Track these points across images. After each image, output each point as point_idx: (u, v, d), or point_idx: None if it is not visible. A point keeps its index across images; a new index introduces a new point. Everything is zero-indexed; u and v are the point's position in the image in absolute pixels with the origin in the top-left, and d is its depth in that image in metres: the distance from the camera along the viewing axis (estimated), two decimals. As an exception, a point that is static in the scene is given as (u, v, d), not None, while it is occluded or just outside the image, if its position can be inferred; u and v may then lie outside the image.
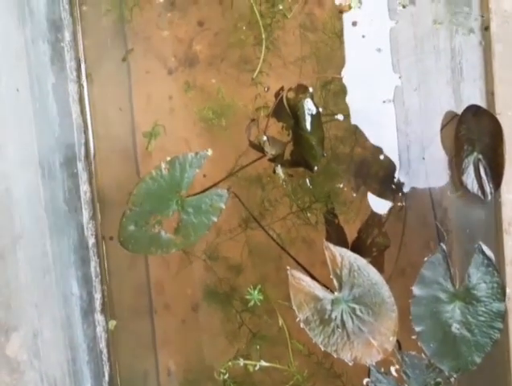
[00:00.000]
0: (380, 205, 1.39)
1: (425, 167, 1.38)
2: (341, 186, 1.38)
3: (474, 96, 1.36)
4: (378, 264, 1.35)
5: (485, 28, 1.30)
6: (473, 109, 1.26)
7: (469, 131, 1.28)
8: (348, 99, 1.35)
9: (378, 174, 1.41)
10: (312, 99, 1.31)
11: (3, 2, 0.99)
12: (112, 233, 1.39)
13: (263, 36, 1.35)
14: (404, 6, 1.31)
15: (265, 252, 1.42)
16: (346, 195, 1.39)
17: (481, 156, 1.29)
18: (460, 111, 1.34)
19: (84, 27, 1.35)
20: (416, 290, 1.30)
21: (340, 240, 1.37)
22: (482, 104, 1.34)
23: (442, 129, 1.36)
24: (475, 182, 1.30)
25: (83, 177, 1.26)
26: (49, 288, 1.12)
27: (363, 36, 1.32)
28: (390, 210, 1.38)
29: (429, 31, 1.33)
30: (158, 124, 1.43)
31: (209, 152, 1.34)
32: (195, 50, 1.43)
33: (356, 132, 1.39)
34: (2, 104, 0.96)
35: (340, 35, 1.33)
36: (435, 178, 1.38)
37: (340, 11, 1.33)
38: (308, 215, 1.37)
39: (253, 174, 1.41)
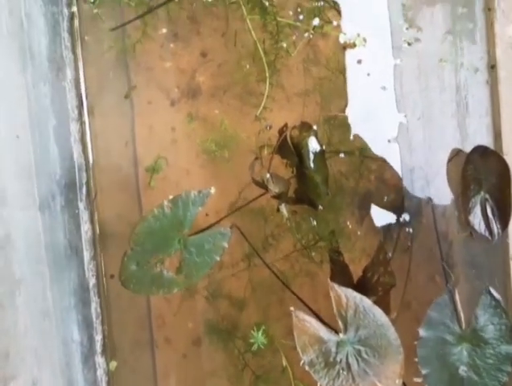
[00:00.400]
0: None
1: (430, 201, 1.37)
2: (347, 223, 1.37)
3: (480, 132, 1.35)
4: (384, 303, 1.33)
5: (491, 67, 1.29)
6: (481, 150, 1.25)
7: (476, 171, 1.27)
8: (352, 137, 1.33)
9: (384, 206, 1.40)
10: (316, 137, 1.29)
11: (4, 49, 0.97)
12: (113, 271, 1.37)
13: (267, 74, 1.34)
14: (409, 44, 1.30)
15: (268, 288, 1.40)
16: (351, 233, 1.37)
17: (487, 196, 1.27)
18: (465, 145, 1.34)
19: (85, 63, 1.34)
20: (422, 332, 1.27)
21: (346, 279, 1.35)
22: (489, 141, 1.33)
23: (448, 163, 1.35)
24: (482, 222, 1.28)
25: (84, 217, 1.24)
26: (49, 334, 1.10)
27: (368, 74, 1.31)
28: (396, 243, 1.37)
29: (434, 68, 1.32)
30: (160, 156, 1.41)
31: (212, 190, 1.32)
32: (198, 81, 1.42)
33: (360, 168, 1.37)
34: (1, 152, 0.94)
35: (344, 73, 1.32)
36: (440, 211, 1.36)
37: (345, 48, 1.32)
38: (313, 254, 1.35)
39: (257, 208, 1.39)
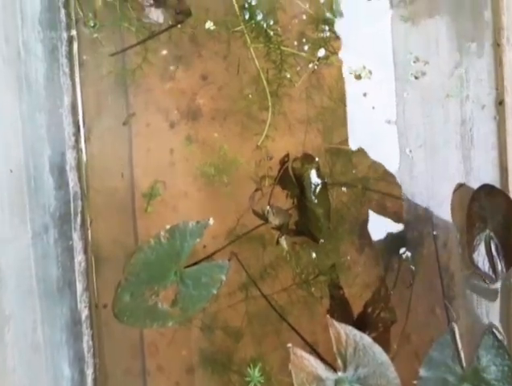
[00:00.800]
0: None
1: (432, 231, 1.34)
2: (348, 257, 1.34)
3: (486, 166, 1.32)
4: (384, 339, 1.31)
5: (499, 103, 1.27)
6: (487, 188, 1.23)
7: (482, 209, 1.24)
8: (355, 170, 1.31)
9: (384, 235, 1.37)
10: (319, 170, 1.27)
11: (0, 79, 0.94)
12: (106, 300, 1.34)
13: (269, 103, 1.31)
14: (416, 78, 1.28)
15: (265, 319, 1.37)
16: (352, 266, 1.34)
17: (492, 234, 1.25)
18: (470, 179, 1.31)
19: (83, 88, 1.30)
20: (423, 372, 1.24)
21: (345, 314, 1.32)
22: (494, 176, 1.31)
23: (452, 196, 1.32)
24: (486, 260, 1.25)
25: (78, 247, 1.20)
26: (39, 371, 1.06)
27: (373, 108, 1.29)
28: (397, 275, 1.34)
29: (440, 102, 1.30)
30: (158, 180, 1.38)
31: (211, 221, 1.29)
32: (198, 103, 1.39)
33: (362, 199, 1.35)
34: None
35: (348, 104, 1.29)
36: (441, 242, 1.33)
37: (350, 80, 1.30)
38: (312, 289, 1.32)
39: (256, 235, 1.36)
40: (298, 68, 1.30)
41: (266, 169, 1.34)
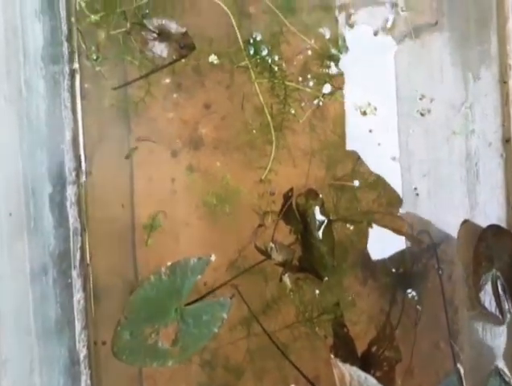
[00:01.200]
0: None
1: (436, 264, 1.32)
2: (352, 294, 1.32)
3: (491, 202, 1.31)
4: (389, 378, 1.28)
5: (507, 140, 1.26)
6: (493, 229, 1.22)
7: (488, 248, 1.23)
8: (359, 207, 1.29)
9: (387, 267, 1.35)
10: (323, 206, 1.25)
11: (2, 119, 0.92)
12: (105, 337, 1.30)
13: (273, 138, 1.30)
14: (422, 114, 1.26)
15: (266, 355, 1.34)
16: (357, 301, 1.32)
17: (499, 273, 1.23)
18: (475, 214, 1.30)
19: (85, 121, 1.29)
20: (430, 414, 1.22)
21: (349, 352, 1.29)
22: (500, 214, 1.29)
23: (458, 233, 1.30)
24: (493, 300, 1.23)
25: (77, 285, 1.17)
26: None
27: (379, 144, 1.28)
28: (402, 308, 1.31)
29: (445, 139, 1.29)
30: (159, 210, 1.36)
31: (212, 258, 1.27)
32: (200, 133, 1.38)
33: (366, 234, 1.33)
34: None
35: (354, 141, 1.28)
36: (446, 275, 1.31)
37: (355, 116, 1.28)
38: (316, 328, 1.30)
39: (258, 267, 1.33)
40: (302, 104, 1.29)
41: (268, 203, 1.32)
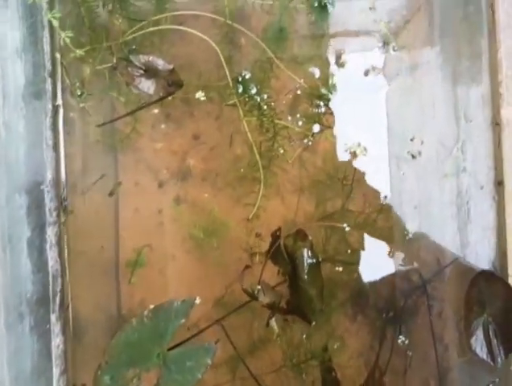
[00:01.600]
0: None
1: (426, 300, 1.29)
2: (342, 336, 1.29)
3: (482, 243, 1.29)
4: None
5: (499, 183, 1.24)
6: (486, 274, 1.19)
7: (480, 293, 1.21)
8: (350, 250, 1.26)
9: (377, 304, 1.32)
10: (312, 248, 1.22)
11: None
12: (85, 380, 1.26)
13: (261, 176, 1.27)
14: (414, 157, 1.24)
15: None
16: (346, 342, 1.29)
17: (491, 319, 1.21)
18: (466, 253, 1.28)
19: (68, 159, 1.25)
20: None
21: (337, 398, 1.26)
22: (491, 255, 1.27)
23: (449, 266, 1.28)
24: (484, 346, 1.21)
25: (56, 330, 1.13)
26: None
27: (369, 184, 1.25)
28: (392, 348, 1.28)
29: (437, 181, 1.27)
30: (144, 245, 1.32)
31: (197, 300, 1.23)
32: (188, 163, 1.35)
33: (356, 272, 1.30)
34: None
35: (344, 182, 1.26)
36: (436, 312, 1.29)
37: (345, 156, 1.26)
38: (303, 375, 1.26)
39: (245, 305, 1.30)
40: (292, 143, 1.27)
41: (256, 242, 1.29)
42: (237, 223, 1.30)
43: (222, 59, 1.23)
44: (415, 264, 1.30)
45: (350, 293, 1.31)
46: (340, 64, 1.25)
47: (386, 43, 1.26)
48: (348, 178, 1.27)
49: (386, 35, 1.27)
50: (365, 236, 1.29)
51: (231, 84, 1.24)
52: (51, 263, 1.13)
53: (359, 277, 1.30)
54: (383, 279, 1.31)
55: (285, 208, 1.30)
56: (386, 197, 1.27)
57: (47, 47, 1.16)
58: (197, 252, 1.33)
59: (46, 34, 1.16)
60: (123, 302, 1.32)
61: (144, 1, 1.28)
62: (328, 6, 1.22)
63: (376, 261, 1.31)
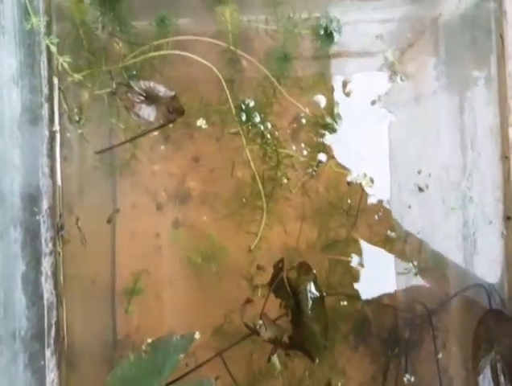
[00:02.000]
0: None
1: (431, 332, 1.26)
2: (346, 372, 1.25)
3: (489, 277, 1.25)
4: None
5: (507, 218, 1.21)
6: (495, 313, 1.16)
7: (488, 332, 1.18)
8: (356, 284, 1.23)
9: (380, 334, 1.28)
10: (316, 282, 1.18)
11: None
12: (79, 416, 1.22)
13: (264, 206, 1.23)
14: (421, 189, 1.21)
15: None
16: (350, 382, 1.25)
17: (499, 357, 1.17)
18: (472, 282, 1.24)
19: (65, 184, 1.21)
20: None
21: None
22: (499, 290, 1.24)
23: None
24: (492, 384, 1.18)
25: (50, 365, 1.08)
26: None
27: (376, 217, 1.22)
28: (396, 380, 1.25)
29: (442, 216, 1.25)
30: (142, 269, 1.28)
31: (197, 335, 1.19)
32: (188, 186, 1.31)
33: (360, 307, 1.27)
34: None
35: (349, 214, 1.22)
36: (441, 343, 1.26)
37: (349, 184, 1.23)
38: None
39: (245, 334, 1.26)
40: (295, 172, 1.23)
41: (257, 274, 1.26)
42: (236, 248, 1.27)
43: (225, 86, 1.20)
44: (420, 295, 1.27)
45: (353, 324, 1.27)
46: (346, 93, 1.22)
47: (392, 72, 1.24)
48: (352, 208, 1.24)
49: (393, 64, 1.24)
50: (370, 265, 1.26)
51: (234, 112, 1.20)
52: (46, 295, 1.08)
53: (362, 307, 1.27)
54: (387, 309, 1.28)
55: (287, 237, 1.27)
56: (390, 227, 1.25)
57: (44, 72, 1.12)
58: (195, 279, 1.29)
59: (43, 58, 1.12)
60: (119, 330, 1.28)
61: (145, 23, 1.25)
62: (334, 34, 1.19)
63: (379, 291, 1.28)
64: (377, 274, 1.27)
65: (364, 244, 1.25)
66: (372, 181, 1.20)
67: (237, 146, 1.25)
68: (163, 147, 1.30)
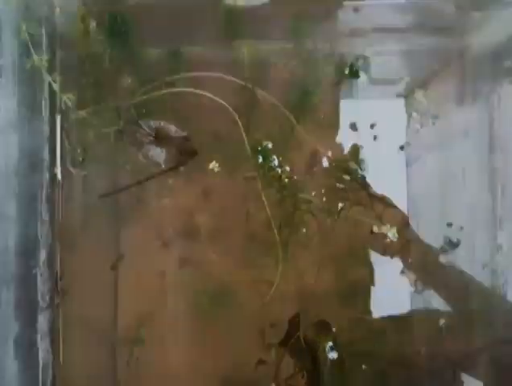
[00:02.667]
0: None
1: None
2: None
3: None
4: None
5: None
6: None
7: None
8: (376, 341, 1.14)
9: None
10: (336, 343, 1.09)
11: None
12: None
13: (280, 254, 1.15)
14: (452, 242, 1.12)
15: None
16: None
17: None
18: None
19: (63, 231, 1.13)
20: None
21: None
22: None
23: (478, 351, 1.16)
24: None
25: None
26: None
27: (402, 271, 1.14)
28: None
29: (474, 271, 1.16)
30: (146, 313, 1.20)
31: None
32: (196, 222, 1.22)
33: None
34: None
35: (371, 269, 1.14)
36: None
37: (372, 232, 1.14)
38: None
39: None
40: (315, 218, 1.14)
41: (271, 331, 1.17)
42: (245, 287, 1.18)
43: (241, 126, 1.12)
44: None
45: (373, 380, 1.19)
46: (372, 137, 1.13)
47: (423, 114, 1.15)
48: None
49: (422, 104, 1.15)
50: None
51: (250, 154, 1.12)
52: (41, 355, 0.99)
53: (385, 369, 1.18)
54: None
55: (303, 286, 1.18)
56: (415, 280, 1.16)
57: (45, 111, 1.04)
58: (202, 323, 1.20)
59: (45, 96, 1.04)
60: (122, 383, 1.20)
61: (156, 55, 1.17)
62: (360, 73, 1.10)
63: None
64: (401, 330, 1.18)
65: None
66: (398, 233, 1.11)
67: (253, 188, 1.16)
68: (171, 180, 1.22)
